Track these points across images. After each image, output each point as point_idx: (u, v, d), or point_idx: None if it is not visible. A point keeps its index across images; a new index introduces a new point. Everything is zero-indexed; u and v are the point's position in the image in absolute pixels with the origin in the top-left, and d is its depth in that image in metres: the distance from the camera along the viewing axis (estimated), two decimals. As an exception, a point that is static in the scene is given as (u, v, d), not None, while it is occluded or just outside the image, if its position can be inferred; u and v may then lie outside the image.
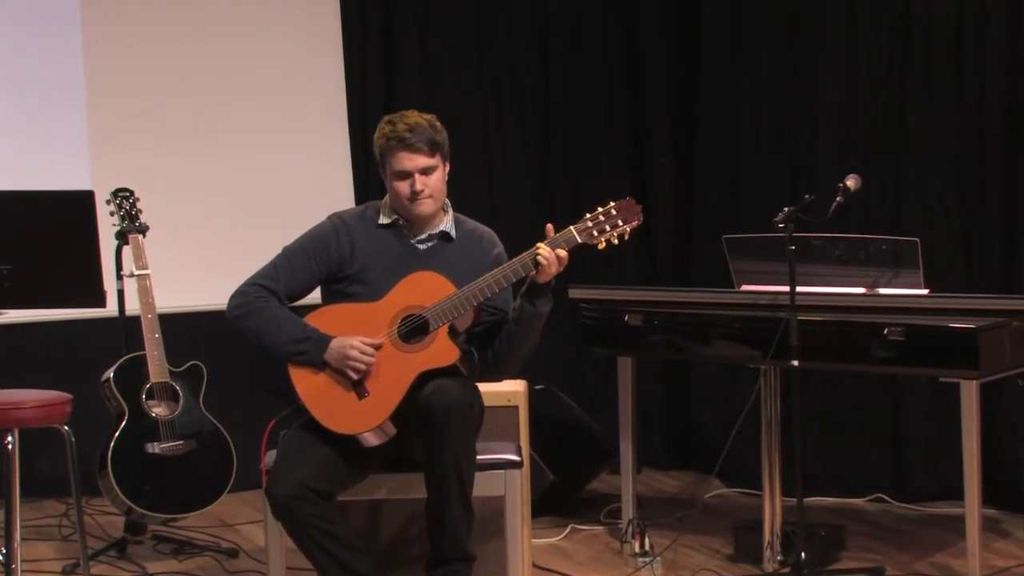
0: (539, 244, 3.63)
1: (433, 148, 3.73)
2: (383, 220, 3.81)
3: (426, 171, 3.73)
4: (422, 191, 3.72)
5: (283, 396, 3.82)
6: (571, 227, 3.66)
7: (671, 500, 5.69)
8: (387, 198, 3.83)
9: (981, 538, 4.24)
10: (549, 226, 3.67)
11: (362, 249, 3.77)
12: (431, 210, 3.77)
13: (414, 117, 3.75)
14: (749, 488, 5.55)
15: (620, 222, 3.66)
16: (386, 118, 3.79)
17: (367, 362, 3.63)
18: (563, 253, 3.63)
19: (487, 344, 3.80)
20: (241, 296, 3.75)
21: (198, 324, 5.70)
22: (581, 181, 6.43)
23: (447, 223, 3.83)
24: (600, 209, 3.68)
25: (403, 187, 3.73)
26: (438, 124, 3.78)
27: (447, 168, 3.81)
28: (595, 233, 3.66)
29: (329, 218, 3.85)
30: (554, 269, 3.62)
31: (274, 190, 5.98)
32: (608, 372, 5.45)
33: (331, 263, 3.78)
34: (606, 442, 5.57)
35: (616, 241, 3.69)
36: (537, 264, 3.61)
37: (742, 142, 6.07)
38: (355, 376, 3.64)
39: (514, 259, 3.66)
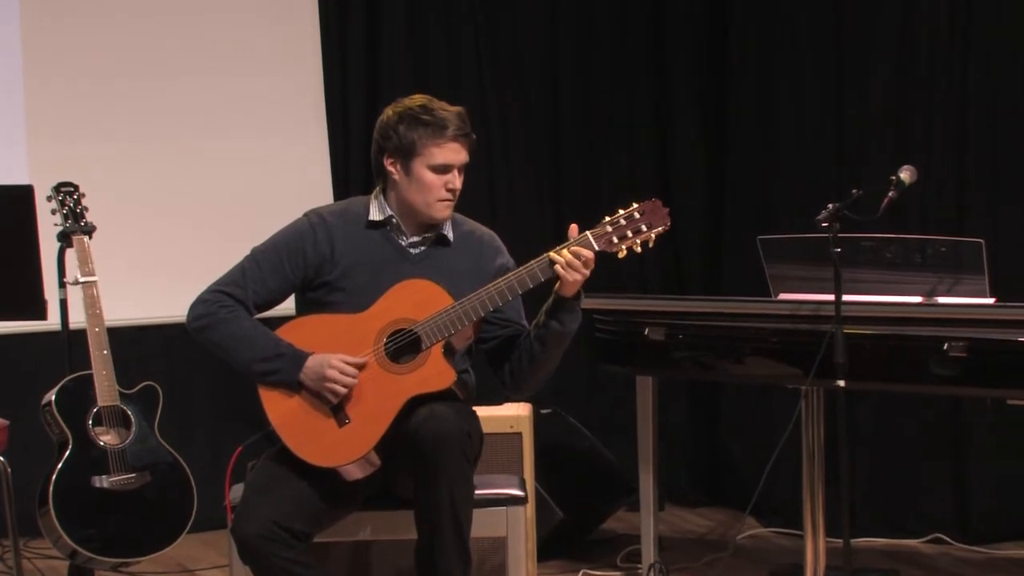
0: (549, 252, 3.62)
1: (472, 144, 3.77)
2: (374, 216, 3.80)
3: (461, 169, 3.75)
4: (456, 191, 3.74)
5: (252, 421, 3.82)
6: (587, 232, 3.63)
7: (698, 541, 5.69)
8: (378, 190, 3.83)
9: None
10: (573, 227, 3.65)
11: (344, 251, 3.76)
12: (450, 214, 3.78)
13: (445, 105, 3.74)
14: (788, 528, 5.56)
15: (644, 227, 3.63)
16: (414, 102, 3.75)
17: (348, 383, 3.62)
18: (588, 254, 3.59)
19: (503, 361, 3.78)
20: (203, 305, 3.74)
21: (153, 339, 5.70)
22: (596, 176, 6.42)
23: (445, 224, 3.82)
24: (621, 212, 3.65)
25: (438, 182, 3.72)
26: None
27: None
28: (615, 239, 3.62)
29: (305, 215, 3.85)
30: (575, 276, 3.59)
31: (241, 185, 5.98)
32: (626, 393, 5.44)
33: (308, 267, 3.77)
34: (623, 474, 5.57)
35: (639, 249, 3.66)
36: (555, 272, 3.59)
37: (779, 129, 6.07)
38: (334, 399, 3.63)
39: (520, 268, 3.65)
